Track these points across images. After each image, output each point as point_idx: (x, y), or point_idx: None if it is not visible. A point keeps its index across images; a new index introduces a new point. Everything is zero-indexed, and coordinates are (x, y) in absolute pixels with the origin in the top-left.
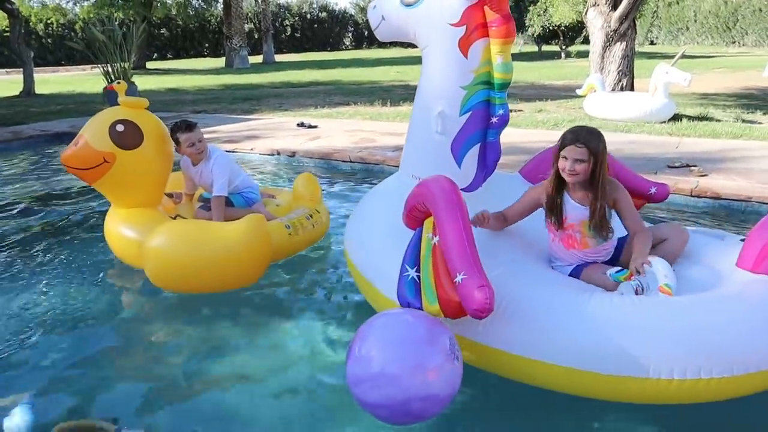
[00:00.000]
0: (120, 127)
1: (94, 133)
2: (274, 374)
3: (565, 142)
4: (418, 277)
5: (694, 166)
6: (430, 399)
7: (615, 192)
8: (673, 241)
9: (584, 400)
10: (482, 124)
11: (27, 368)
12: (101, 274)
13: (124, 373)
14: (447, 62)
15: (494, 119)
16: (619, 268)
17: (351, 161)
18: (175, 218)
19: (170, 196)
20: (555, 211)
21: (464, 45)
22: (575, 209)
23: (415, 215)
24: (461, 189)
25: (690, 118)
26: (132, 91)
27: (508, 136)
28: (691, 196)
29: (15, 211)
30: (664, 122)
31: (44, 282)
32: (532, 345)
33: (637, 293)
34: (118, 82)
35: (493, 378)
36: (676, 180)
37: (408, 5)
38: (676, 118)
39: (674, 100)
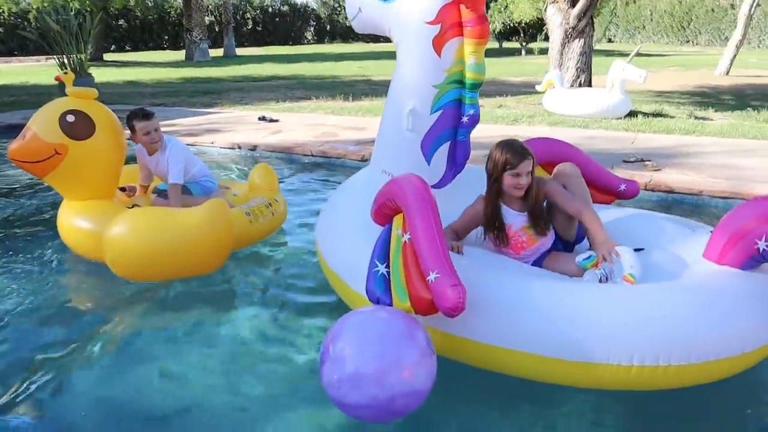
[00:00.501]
0: (70, 118)
1: (43, 124)
2: (235, 370)
3: (513, 161)
4: (388, 272)
5: (649, 161)
6: (413, 394)
7: (544, 186)
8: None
9: (563, 392)
10: (453, 122)
11: None
12: (54, 269)
13: (76, 369)
14: (420, 60)
15: (465, 118)
16: (588, 254)
17: (312, 155)
18: (131, 208)
19: (123, 189)
20: (499, 228)
21: (438, 43)
22: (516, 217)
23: (385, 212)
24: (431, 186)
25: (645, 114)
26: (88, 82)
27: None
28: (645, 190)
29: None
30: (621, 118)
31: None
32: (498, 333)
33: (600, 281)
34: (65, 73)
35: (461, 368)
36: (631, 174)
37: (384, 0)
38: (632, 114)
39: (630, 96)
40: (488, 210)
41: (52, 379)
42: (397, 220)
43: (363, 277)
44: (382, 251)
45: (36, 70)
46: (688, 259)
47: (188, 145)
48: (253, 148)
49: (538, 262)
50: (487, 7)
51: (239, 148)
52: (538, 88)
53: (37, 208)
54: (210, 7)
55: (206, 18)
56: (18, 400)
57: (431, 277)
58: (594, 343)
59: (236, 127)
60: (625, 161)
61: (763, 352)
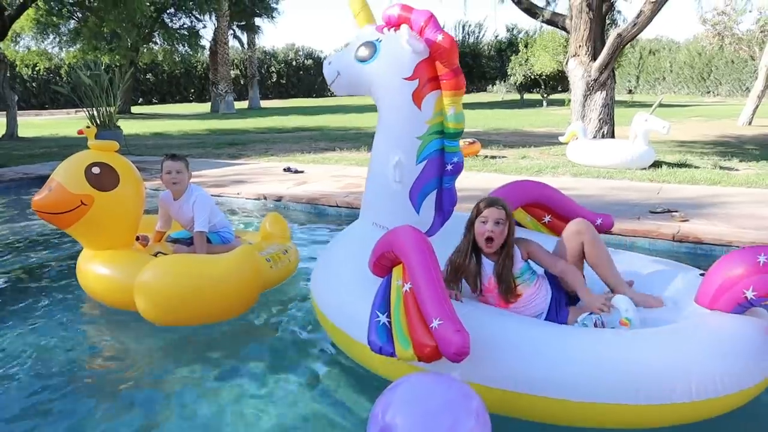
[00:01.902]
0: (96, 170)
1: (68, 176)
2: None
3: (481, 207)
4: (389, 322)
5: (675, 211)
6: None
7: (527, 246)
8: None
9: None
10: (438, 171)
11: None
12: (77, 317)
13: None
14: (402, 114)
15: (449, 167)
16: (586, 316)
17: (338, 206)
18: (156, 255)
19: (137, 239)
20: (476, 277)
21: (417, 97)
22: (491, 267)
23: (384, 263)
24: None
25: (669, 164)
26: (116, 135)
27: (492, 182)
28: (674, 241)
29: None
30: (645, 169)
31: (18, 325)
32: (500, 377)
33: (596, 326)
34: (88, 127)
35: None
36: (658, 225)
37: (362, 61)
38: (656, 164)
39: (654, 147)
40: (465, 259)
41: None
42: (397, 271)
43: (361, 327)
44: (383, 302)
45: (66, 122)
46: (680, 304)
47: (214, 195)
48: (279, 198)
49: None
50: (508, 60)
51: (265, 198)
52: (561, 139)
53: (54, 259)
54: (235, 61)
55: (232, 71)
56: None
57: (434, 324)
58: (584, 384)
59: (262, 178)
60: (651, 212)
61: (759, 388)
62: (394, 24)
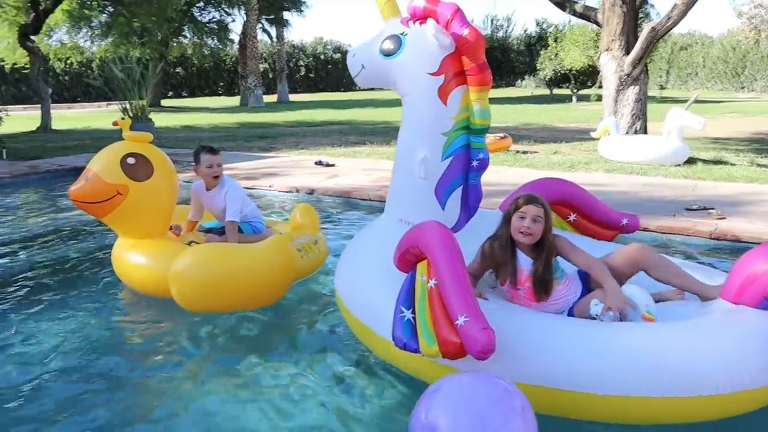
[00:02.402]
0: (131, 160)
1: (104, 166)
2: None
3: (520, 203)
4: (414, 318)
5: (712, 209)
6: None
7: (557, 241)
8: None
9: None
10: (463, 167)
11: (41, 401)
12: (113, 305)
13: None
14: (427, 110)
15: (474, 163)
16: (597, 305)
17: (370, 199)
18: (190, 244)
19: (169, 228)
20: (512, 271)
21: (443, 93)
22: (528, 263)
23: (408, 259)
24: None
25: (705, 161)
26: (149, 127)
27: (524, 177)
28: (711, 239)
29: (31, 244)
30: (679, 165)
31: (56, 314)
32: (529, 372)
33: (614, 319)
34: (123, 118)
35: None
36: (695, 222)
37: (387, 55)
38: (691, 161)
39: (688, 143)
40: (501, 252)
41: (122, 413)
42: (422, 267)
43: (386, 322)
44: (407, 298)
45: (98, 115)
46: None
47: (247, 188)
48: (311, 191)
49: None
50: (538, 55)
51: (297, 191)
52: (593, 134)
53: (89, 249)
54: (264, 54)
55: (260, 65)
56: None
57: (460, 321)
58: (615, 378)
59: (293, 171)
60: (687, 209)
61: None
62: (419, 17)
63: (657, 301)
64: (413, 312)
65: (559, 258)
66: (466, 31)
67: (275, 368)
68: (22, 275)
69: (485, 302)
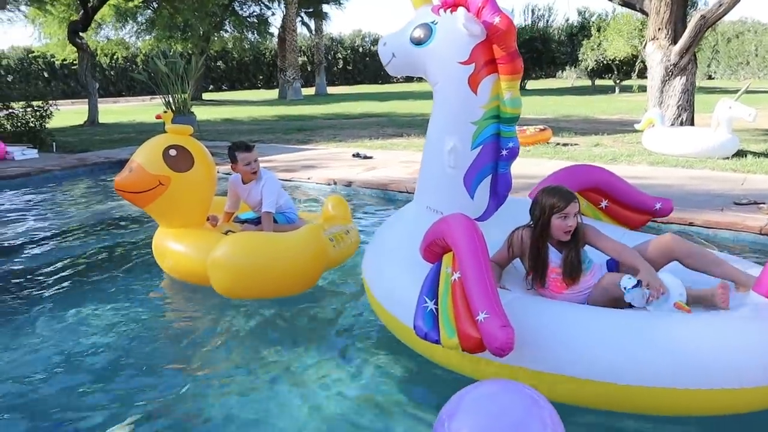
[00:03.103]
0: (173, 152)
1: (147, 158)
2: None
3: (560, 204)
4: (436, 309)
5: (762, 203)
6: None
7: (585, 229)
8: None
9: None
10: (493, 157)
11: (80, 385)
12: (154, 293)
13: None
14: (457, 99)
15: (504, 152)
16: (632, 281)
17: (407, 191)
18: (227, 233)
19: (207, 218)
20: (542, 268)
21: (473, 82)
22: (557, 256)
23: (434, 250)
24: (474, 219)
25: (755, 154)
26: (191, 120)
27: None
28: (761, 234)
29: (78, 234)
30: (728, 158)
31: (99, 301)
32: (549, 360)
33: (646, 300)
34: (165, 112)
35: None
36: (743, 218)
37: (418, 44)
38: (740, 154)
39: (737, 135)
40: (534, 251)
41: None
42: (447, 259)
43: (410, 311)
44: (432, 288)
45: (142, 109)
46: (739, 294)
47: (285, 180)
48: (349, 184)
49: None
50: (579, 45)
51: (335, 183)
52: (637, 126)
53: (134, 239)
54: (303, 47)
55: (299, 58)
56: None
57: (480, 317)
58: (651, 369)
59: (331, 163)
60: (735, 203)
61: None
62: (450, 5)
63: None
64: (436, 303)
65: (586, 247)
66: (497, 19)
67: (305, 355)
68: (70, 263)
69: (506, 293)
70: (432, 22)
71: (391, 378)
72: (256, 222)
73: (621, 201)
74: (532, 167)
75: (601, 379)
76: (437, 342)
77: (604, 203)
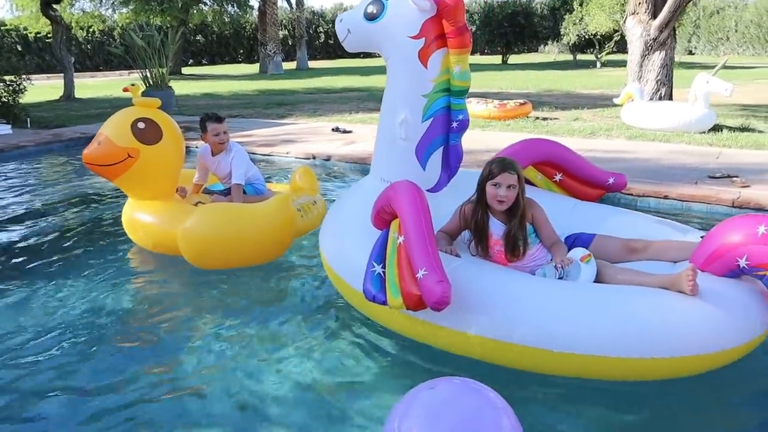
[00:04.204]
0: (141, 125)
1: (115, 131)
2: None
3: (494, 171)
4: (384, 272)
5: (736, 176)
6: None
7: (532, 209)
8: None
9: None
10: (444, 129)
11: (53, 360)
12: (127, 265)
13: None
14: (408, 72)
15: (455, 124)
16: (547, 264)
17: None
18: (196, 205)
19: (176, 190)
20: (481, 236)
21: (424, 56)
22: (500, 228)
23: (383, 217)
24: (427, 190)
25: (731, 128)
26: (168, 95)
27: None
28: (733, 207)
29: (54, 210)
30: (704, 132)
31: (78, 278)
32: (481, 324)
33: (558, 275)
34: (133, 85)
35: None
36: (717, 191)
37: (370, 20)
38: (717, 128)
39: (714, 110)
40: (475, 217)
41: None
42: (395, 225)
43: (361, 277)
44: (380, 253)
45: (120, 83)
46: (676, 263)
47: (265, 155)
48: (328, 158)
49: None
50: (562, 20)
51: (314, 158)
52: (616, 101)
53: (110, 213)
54: (284, 21)
55: (280, 32)
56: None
57: (420, 274)
58: (554, 334)
59: (311, 137)
60: (710, 177)
61: (740, 351)
62: None
63: None
64: (384, 267)
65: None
66: None
67: (273, 323)
68: (46, 239)
69: (454, 259)
70: None
71: (355, 347)
72: (226, 193)
73: (575, 175)
74: (506, 141)
75: (525, 344)
76: (384, 303)
77: (558, 176)
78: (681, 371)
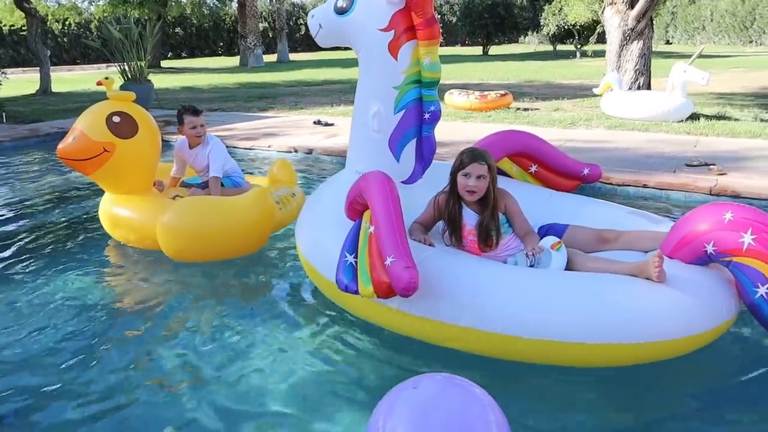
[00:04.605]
0: (116, 119)
1: (90, 125)
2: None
3: (465, 161)
4: (356, 262)
5: (713, 164)
6: None
7: (505, 199)
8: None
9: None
10: (416, 120)
11: (34, 360)
12: (106, 261)
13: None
14: (379, 65)
15: (426, 115)
16: (518, 253)
17: None
18: (174, 198)
19: (153, 184)
20: (455, 226)
21: (393, 48)
22: (473, 218)
23: (356, 208)
24: (402, 182)
25: (708, 117)
26: (147, 89)
27: None
28: (710, 194)
29: (31, 206)
30: (682, 121)
31: (56, 274)
32: (451, 312)
33: (531, 264)
34: (106, 78)
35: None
36: (695, 178)
37: (340, 14)
38: (694, 117)
39: (692, 99)
40: (448, 208)
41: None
42: (367, 215)
43: (334, 268)
44: (353, 244)
45: (97, 76)
46: (648, 253)
47: (246, 149)
48: (310, 151)
49: None
50: (541, 10)
51: (296, 151)
52: (595, 90)
53: (88, 209)
54: (264, 13)
55: (260, 24)
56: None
57: (388, 261)
58: (550, 324)
59: (292, 131)
60: (687, 165)
61: (707, 337)
62: None
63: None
64: (356, 257)
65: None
66: None
67: (253, 316)
68: (22, 236)
69: (427, 248)
70: None
71: (333, 341)
72: (203, 186)
73: (550, 166)
74: (487, 132)
75: (495, 330)
76: (356, 293)
77: (533, 168)
78: (649, 357)
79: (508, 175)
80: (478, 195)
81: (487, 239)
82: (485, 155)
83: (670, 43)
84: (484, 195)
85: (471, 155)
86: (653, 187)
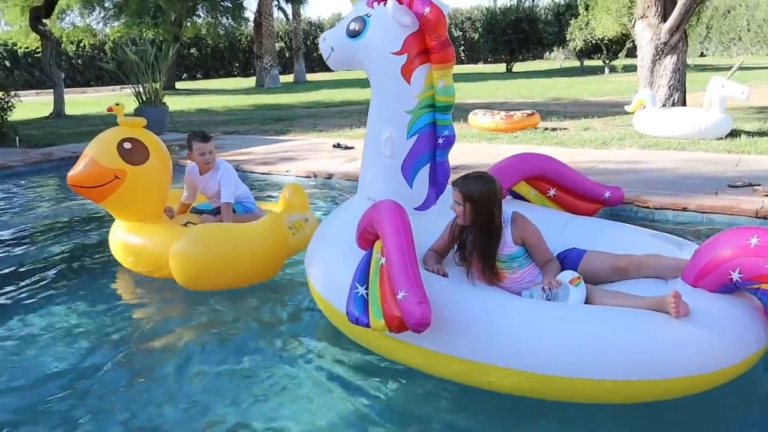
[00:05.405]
0: (128, 145)
1: (101, 152)
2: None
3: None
4: (367, 294)
5: (758, 185)
6: None
7: (523, 231)
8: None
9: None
10: (430, 145)
11: (43, 387)
12: (118, 290)
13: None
14: (391, 89)
15: (440, 140)
16: (534, 287)
17: None
18: (186, 225)
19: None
20: (462, 247)
21: (407, 72)
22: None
23: (367, 237)
24: (415, 208)
25: (749, 133)
26: (162, 112)
27: (554, 156)
28: (757, 217)
29: (44, 232)
30: (721, 139)
31: (66, 302)
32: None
33: (547, 297)
34: (117, 104)
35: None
36: (739, 200)
37: (353, 37)
38: (734, 134)
39: (731, 114)
40: (456, 229)
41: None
42: (378, 245)
43: (345, 299)
44: (363, 275)
45: (112, 99)
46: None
47: (263, 173)
48: (329, 176)
49: None
50: (567, 25)
51: (315, 176)
52: (627, 108)
53: (102, 236)
54: (280, 33)
55: (276, 44)
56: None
57: (400, 295)
58: (565, 359)
59: (310, 155)
60: (730, 186)
61: (735, 370)
62: None
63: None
64: (367, 288)
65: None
66: (427, 10)
67: (269, 346)
68: (35, 263)
69: (440, 279)
70: (366, 15)
71: (347, 372)
72: (215, 212)
73: (569, 189)
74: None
75: (509, 366)
76: (367, 326)
77: (552, 191)
78: (670, 393)
79: (526, 199)
80: (462, 220)
81: (487, 270)
82: (458, 181)
83: (705, 56)
84: (477, 222)
85: (452, 181)
86: (694, 210)
